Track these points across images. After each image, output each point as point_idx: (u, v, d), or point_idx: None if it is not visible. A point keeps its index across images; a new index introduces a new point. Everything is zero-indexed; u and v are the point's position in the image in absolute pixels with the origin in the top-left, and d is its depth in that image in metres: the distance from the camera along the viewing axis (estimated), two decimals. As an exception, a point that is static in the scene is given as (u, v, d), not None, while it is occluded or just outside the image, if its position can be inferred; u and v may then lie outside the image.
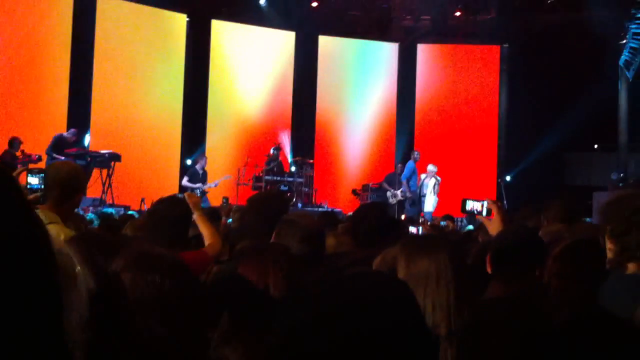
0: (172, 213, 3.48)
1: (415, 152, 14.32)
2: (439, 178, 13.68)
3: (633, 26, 14.88)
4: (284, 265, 2.29)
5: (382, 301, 1.14)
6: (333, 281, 1.24)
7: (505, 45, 17.30)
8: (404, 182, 13.84)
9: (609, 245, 2.47)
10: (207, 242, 3.68)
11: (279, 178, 14.21)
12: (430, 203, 13.56)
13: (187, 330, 1.64)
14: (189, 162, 14.66)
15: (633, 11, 14.63)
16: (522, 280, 2.68)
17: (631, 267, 2.33)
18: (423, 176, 13.74)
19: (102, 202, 11.75)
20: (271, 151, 14.38)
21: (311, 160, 15.66)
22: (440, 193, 13.82)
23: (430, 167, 13.69)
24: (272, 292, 2.23)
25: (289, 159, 15.88)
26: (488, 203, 3.56)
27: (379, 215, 3.70)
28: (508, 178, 15.81)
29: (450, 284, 2.26)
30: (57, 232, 2.98)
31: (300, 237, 2.92)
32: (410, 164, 14.00)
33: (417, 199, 13.54)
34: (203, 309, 1.81)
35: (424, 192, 13.53)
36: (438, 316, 2.22)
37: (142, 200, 11.88)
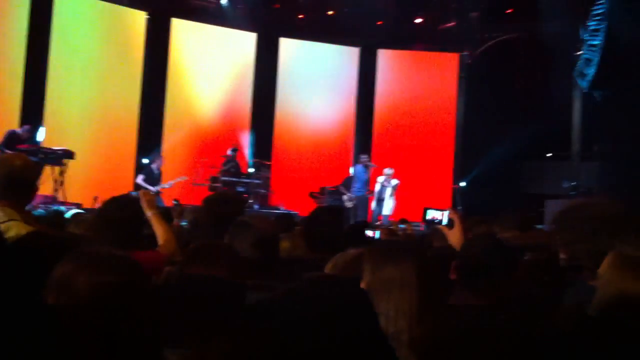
0: (122, 213, 3.42)
1: (362, 156, 14.46)
2: (396, 181, 13.80)
3: (587, 37, 15.20)
4: (229, 268, 2.27)
5: (340, 309, 1.13)
6: (291, 288, 1.23)
7: (465, 53, 17.51)
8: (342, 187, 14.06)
9: (561, 254, 2.51)
10: (160, 241, 3.64)
11: (235, 179, 14.14)
12: (387, 207, 13.66)
13: (139, 330, 1.64)
14: (145, 161, 14.47)
15: (588, 23, 14.94)
16: (492, 290, 2.70)
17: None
18: (381, 179, 13.84)
19: (54, 200, 11.52)
20: (228, 152, 14.31)
21: (269, 162, 15.62)
22: (397, 197, 13.92)
23: (387, 171, 13.80)
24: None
25: (247, 160, 15.80)
26: (450, 212, 3.59)
27: (331, 219, 3.69)
28: (463, 184, 15.99)
29: (414, 291, 2.26)
30: (19, 230, 2.90)
31: (253, 241, 2.89)
32: (357, 167, 14.14)
33: (381, 200, 13.67)
34: (155, 309, 1.80)
35: (383, 195, 13.63)
36: (401, 323, 2.22)
37: (95, 198, 11.67)
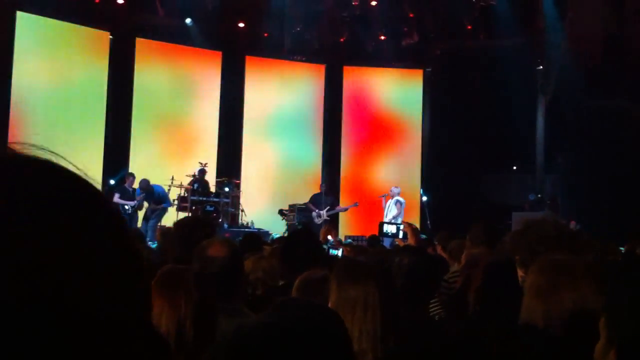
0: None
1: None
2: (402, 200, 13.87)
3: (549, 52, 15.53)
4: (195, 296, 2.26)
5: (315, 333, 1.16)
6: (267, 313, 1.26)
7: (428, 69, 17.74)
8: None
9: (520, 273, 2.60)
10: None
11: (204, 198, 14.06)
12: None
13: None
14: (111, 182, 14.38)
15: (549, 37, 15.27)
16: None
17: None
18: (391, 201, 13.86)
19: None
20: (196, 172, 14.23)
21: (238, 181, 15.59)
22: (363, 213, 14.03)
23: (395, 190, 13.89)
24: (186, 325, 2.19)
25: (215, 179, 15.74)
26: (404, 226, 3.68)
27: (309, 241, 3.73)
28: (425, 198, 16.13)
29: (377, 312, 2.30)
30: None
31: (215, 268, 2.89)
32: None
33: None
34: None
35: (390, 215, 13.54)
36: (364, 343, 2.25)
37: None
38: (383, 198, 14.13)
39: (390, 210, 13.57)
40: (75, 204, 0.57)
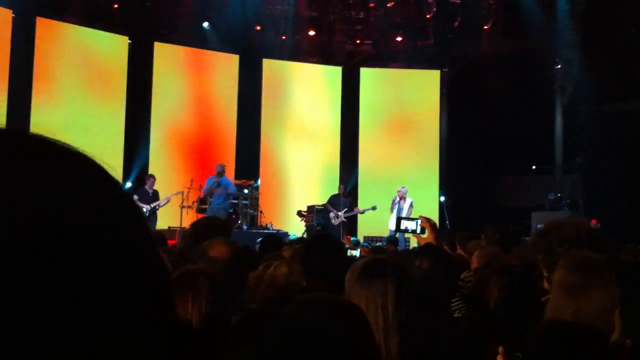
0: None
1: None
2: (411, 199, 13.86)
3: (565, 52, 15.43)
4: (203, 295, 2.28)
5: (338, 328, 1.18)
6: (292, 308, 1.27)
7: (445, 70, 17.69)
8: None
9: (544, 272, 2.61)
10: None
11: (223, 201, 14.10)
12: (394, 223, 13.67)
13: None
14: (128, 184, 14.51)
15: (565, 38, 15.18)
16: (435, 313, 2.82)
17: None
18: (405, 202, 13.85)
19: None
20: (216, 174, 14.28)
21: (256, 183, 15.63)
22: (383, 214, 14.01)
23: (402, 189, 13.87)
24: (194, 322, 2.22)
25: (234, 181, 15.79)
26: (422, 221, 3.69)
27: (331, 247, 3.75)
28: (442, 199, 16.07)
29: (395, 307, 2.32)
30: None
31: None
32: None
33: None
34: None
35: (401, 214, 13.48)
36: (382, 338, 2.29)
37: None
38: (397, 198, 14.12)
39: (404, 212, 13.50)
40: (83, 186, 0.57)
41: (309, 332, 1.13)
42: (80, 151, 0.62)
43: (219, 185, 13.52)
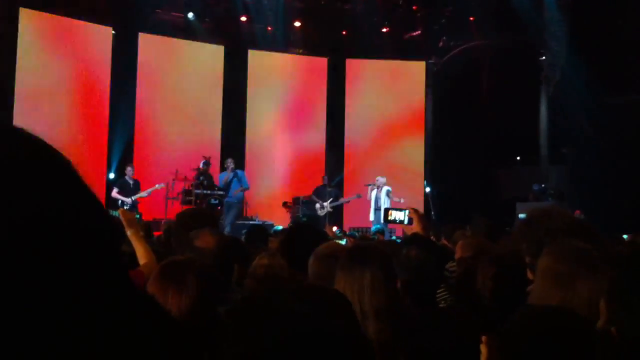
0: None
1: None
2: (389, 188, 13.85)
3: (552, 43, 15.48)
4: (190, 286, 2.26)
5: (325, 316, 1.18)
6: (279, 297, 1.27)
7: (431, 61, 17.71)
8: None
9: (528, 259, 2.61)
10: (141, 261, 3.58)
11: (209, 192, 14.06)
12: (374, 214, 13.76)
13: None
14: (111, 175, 14.44)
15: (553, 29, 15.23)
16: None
17: None
18: (373, 188, 13.85)
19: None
20: (201, 165, 14.23)
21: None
22: (366, 205, 14.04)
23: (381, 179, 13.87)
24: (182, 316, 2.20)
25: (219, 172, 15.76)
26: (409, 212, 3.70)
27: (311, 237, 3.73)
28: (428, 189, 16.12)
29: (382, 293, 2.32)
30: None
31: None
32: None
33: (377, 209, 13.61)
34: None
35: (379, 204, 13.52)
36: (370, 324, 2.29)
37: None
38: (369, 187, 14.13)
39: (384, 202, 13.50)
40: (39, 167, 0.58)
41: (303, 323, 1.13)
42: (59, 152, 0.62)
43: (236, 178, 13.57)
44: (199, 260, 2.50)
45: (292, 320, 1.12)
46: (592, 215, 11.37)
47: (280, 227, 11.42)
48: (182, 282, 2.25)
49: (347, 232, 11.49)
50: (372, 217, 13.81)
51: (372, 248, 2.66)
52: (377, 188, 13.93)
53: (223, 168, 15.19)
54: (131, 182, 13.20)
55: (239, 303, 2.65)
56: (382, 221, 12.84)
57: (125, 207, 12.63)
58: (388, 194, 13.71)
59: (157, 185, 13.47)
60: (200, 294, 2.23)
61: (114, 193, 12.88)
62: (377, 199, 13.78)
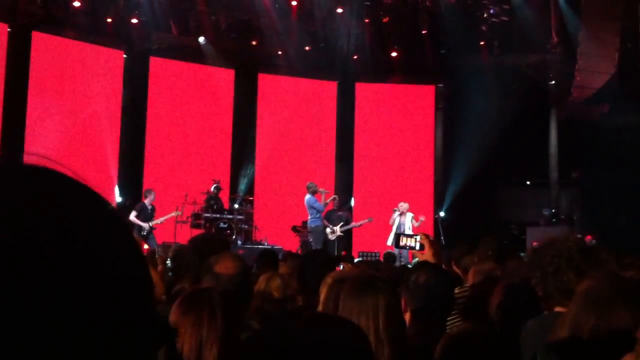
0: None
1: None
2: (412, 214, 13.75)
3: (561, 66, 15.51)
4: (219, 317, 2.27)
5: (340, 348, 1.18)
6: (294, 328, 1.27)
7: (440, 85, 17.76)
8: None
9: (537, 289, 2.64)
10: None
11: (218, 215, 14.07)
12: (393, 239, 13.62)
13: None
14: (118, 199, 14.46)
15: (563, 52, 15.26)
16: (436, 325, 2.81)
17: (558, 308, 2.48)
18: (398, 215, 13.76)
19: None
20: (212, 188, 14.25)
21: (251, 197, 15.62)
22: (378, 228, 13.96)
23: (404, 204, 13.76)
24: (207, 346, 2.21)
25: (228, 196, 15.78)
26: (421, 238, 3.68)
27: (325, 262, 3.74)
28: (442, 214, 16.08)
29: (387, 320, 2.32)
30: None
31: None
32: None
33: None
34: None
35: (402, 229, 13.33)
36: (376, 351, 2.28)
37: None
38: (394, 212, 14.02)
39: (408, 228, 13.41)
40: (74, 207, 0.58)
41: (321, 356, 1.13)
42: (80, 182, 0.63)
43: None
44: (221, 288, 2.52)
45: (311, 353, 1.12)
46: (604, 239, 11.31)
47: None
48: (209, 313, 2.27)
49: (356, 258, 11.42)
50: (390, 242, 13.64)
51: (378, 276, 2.67)
52: (402, 214, 13.84)
53: (233, 192, 15.23)
54: (149, 207, 13.09)
55: (257, 332, 2.65)
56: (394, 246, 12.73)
57: (143, 233, 12.54)
58: (412, 219, 13.66)
59: (173, 213, 13.34)
60: (225, 326, 2.25)
61: (132, 217, 12.67)
62: (400, 225, 13.68)
